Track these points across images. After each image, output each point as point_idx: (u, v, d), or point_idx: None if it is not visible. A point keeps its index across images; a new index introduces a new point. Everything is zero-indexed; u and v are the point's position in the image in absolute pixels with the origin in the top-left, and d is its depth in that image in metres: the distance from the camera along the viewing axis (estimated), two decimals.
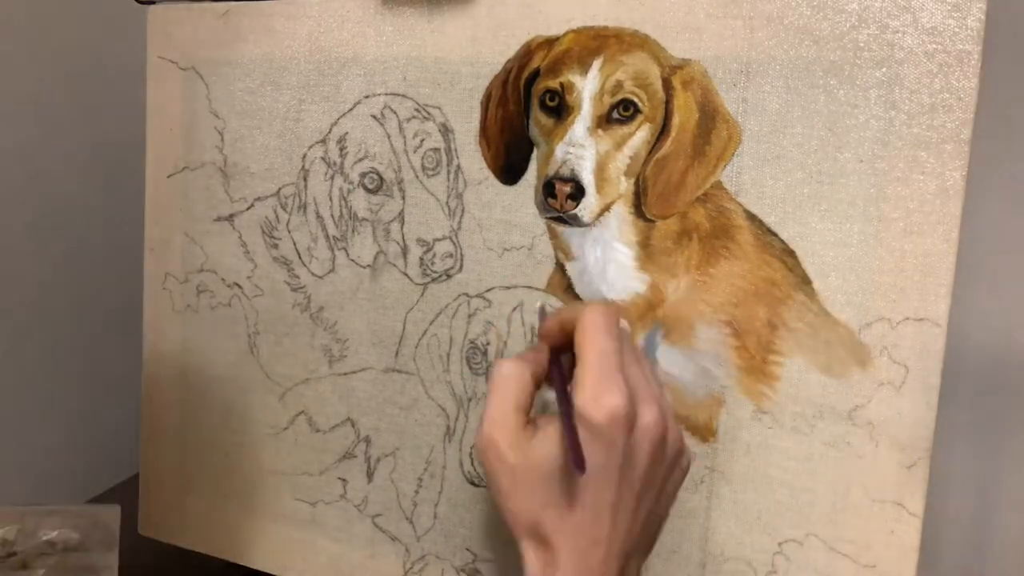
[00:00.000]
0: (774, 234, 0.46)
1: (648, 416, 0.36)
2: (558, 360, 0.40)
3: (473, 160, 0.53)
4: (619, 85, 0.48)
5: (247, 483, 0.63)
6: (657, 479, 0.37)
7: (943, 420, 0.43)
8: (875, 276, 0.44)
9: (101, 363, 0.93)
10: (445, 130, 0.54)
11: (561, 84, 0.49)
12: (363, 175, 0.57)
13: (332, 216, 0.58)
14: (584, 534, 0.35)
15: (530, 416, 0.38)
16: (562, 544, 0.35)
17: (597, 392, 0.34)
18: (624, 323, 0.41)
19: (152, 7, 0.63)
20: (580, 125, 0.49)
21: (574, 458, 0.33)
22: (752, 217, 0.46)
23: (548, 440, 0.36)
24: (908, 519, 0.44)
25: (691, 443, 0.48)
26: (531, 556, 0.36)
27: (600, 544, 0.35)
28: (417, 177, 0.55)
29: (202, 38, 0.62)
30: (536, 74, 0.50)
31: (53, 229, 0.87)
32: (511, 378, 0.37)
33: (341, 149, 0.57)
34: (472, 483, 0.55)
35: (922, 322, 0.43)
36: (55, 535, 0.50)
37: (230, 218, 0.62)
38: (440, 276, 0.55)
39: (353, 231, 0.57)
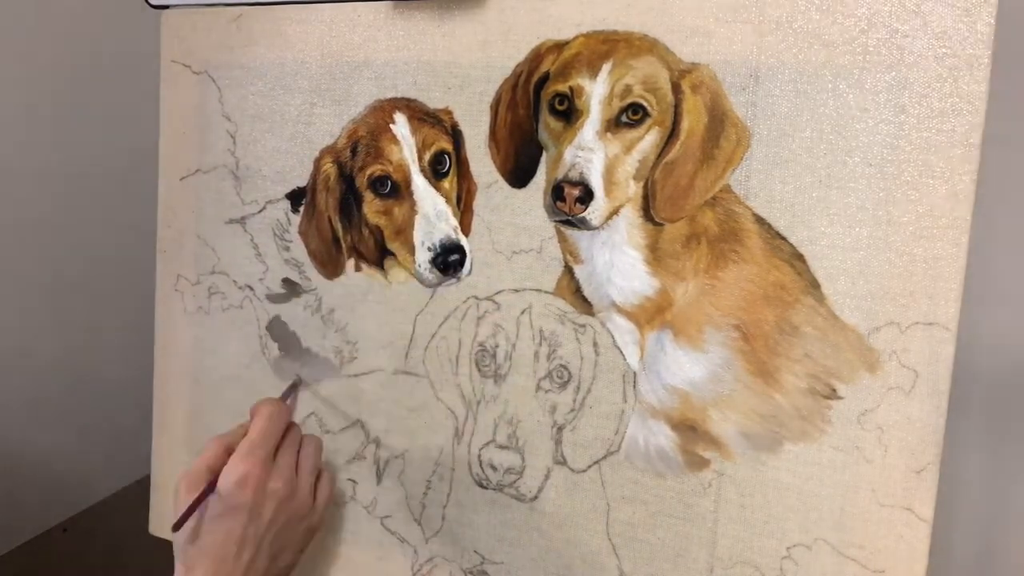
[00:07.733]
0: (783, 238, 0.46)
1: (274, 484, 0.51)
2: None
3: (483, 163, 0.53)
4: (628, 89, 0.48)
5: None
6: (283, 528, 0.52)
7: (954, 425, 0.43)
8: (884, 280, 0.43)
9: (113, 364, 0.94)
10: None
11: (570, 88, 0.49)
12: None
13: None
14: (214, 557, 0.50)
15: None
16: (198, 563, 0.50)
17: (231, 467, 0.50)
18: (291, 417, 0.57)
19: (166, 12, 0.64)
20: (589, 129, 0.49)
21: (178, 518, 0.49)
22: (761, 221, 0.46)
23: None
24: (917, 524, 0.44)
25: (699, 447, 0.48)
26: (180, 570, 0.51)
27: (227, 563, 0.50)
28: (427, 179, 0.55)
29: (215, 42, 0.62)
30: (546, 78, 0.51)
31: (66, 231, 0.88)
32: (208, 449, 0.52)
33: (352, 152, 0.57)
34: (480, 485, 0.55)
35: (932, 327, 0.43)
36: None
37: (242, 220, 0.62)
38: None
39: None
